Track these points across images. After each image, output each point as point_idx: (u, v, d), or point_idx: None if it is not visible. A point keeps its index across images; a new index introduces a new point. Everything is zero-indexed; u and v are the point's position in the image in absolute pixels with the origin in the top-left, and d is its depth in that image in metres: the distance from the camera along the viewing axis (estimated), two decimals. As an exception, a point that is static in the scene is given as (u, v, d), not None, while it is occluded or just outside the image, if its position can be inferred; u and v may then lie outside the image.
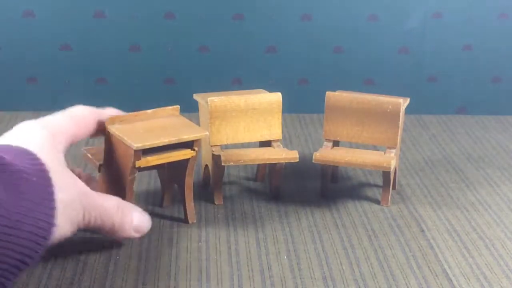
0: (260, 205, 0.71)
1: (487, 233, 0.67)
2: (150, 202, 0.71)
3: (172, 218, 0.68)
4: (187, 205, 0.67)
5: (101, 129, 0.64)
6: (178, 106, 0.68)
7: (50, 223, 0.52)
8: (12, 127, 0.61)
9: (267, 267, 0.60)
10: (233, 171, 0.78)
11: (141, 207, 0.64)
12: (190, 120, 0.87)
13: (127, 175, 0.63)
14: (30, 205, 0.50)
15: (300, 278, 0.59)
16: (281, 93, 0.72)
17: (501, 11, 0.96)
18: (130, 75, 0.96)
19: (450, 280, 0.59)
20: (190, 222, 0.67)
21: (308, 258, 0.62)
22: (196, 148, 0.65)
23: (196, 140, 0.65)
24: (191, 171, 0.66)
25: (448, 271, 0.60)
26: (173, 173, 0.68)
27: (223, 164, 0.68)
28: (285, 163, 0.70)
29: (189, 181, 0.66)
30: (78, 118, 0.63)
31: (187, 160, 0.65)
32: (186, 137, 0.64)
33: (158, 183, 0.74)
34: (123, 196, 0.63)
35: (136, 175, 0.63)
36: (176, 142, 0.63)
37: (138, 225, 0.61)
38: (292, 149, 0.74)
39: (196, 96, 0.73)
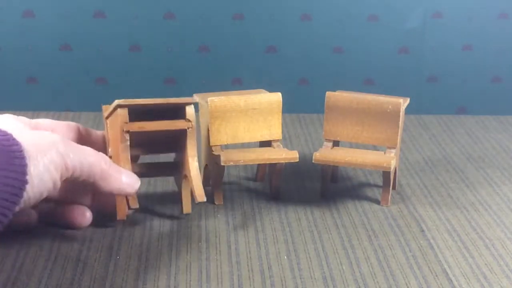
0: (260, 205, 0.71)
1: (487, 233, 0.67)
2: (150, 200, 0.71)
3: (172, 218, 0.68)
4: (194, 185, 0.64)
5: (84, 140, 0.66)
6: (197, 100, 0.69)
7: (22, 181, 0.51)
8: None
9: (267, 267, 0.60)
10: (233, 171, 0.78)
11: (141, 207, 0.65)
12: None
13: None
14: None
15: (300, 278, 0.59)
16: (281, 93, 0.72)
17: (501, 11, 0.96)
18: (130, 75, 0.96)
19: (450, 280, 0.59)
20: (199, 200, 0.64)
21: (308, 258, 0.62)
22: (190, 119, 0.64)
23: (189, 111, 0.64)
24: (193, 147, 0.65)
25: (448, 271, 0.60)
26: (181, 164, 0.67)
27: (223, 164, 0.68)
28: (285, 163, 0.70)
29: (193, 159, 0.65)
30: (58, 121, 0.65)
31: (186, 137, 0.64)
32: (173, 99, 0.64)
33: (158, 183, 0.74)
34: None
35: (128, 143, 0.63)
36: (164, 103, 0.63)
37: (128, 181, 0.61)
38: (292, 149, 0.74)
39: (196, 96, 0.73)
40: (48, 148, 0.54)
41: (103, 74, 0.96)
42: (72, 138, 0.65)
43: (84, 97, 0.96)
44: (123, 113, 0.63)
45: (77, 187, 0.63)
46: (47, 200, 0.61)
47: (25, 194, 0.51)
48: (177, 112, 0.65)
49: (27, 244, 0.62)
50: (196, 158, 0.65)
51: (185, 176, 0.66)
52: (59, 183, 0.55)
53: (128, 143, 0.63)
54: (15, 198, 0.51)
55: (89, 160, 0.58)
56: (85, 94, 0.96)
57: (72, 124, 0.66)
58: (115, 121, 0.63)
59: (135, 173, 0.63)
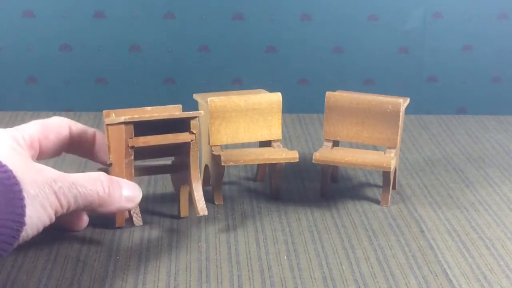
0: (260, 205, 0.71)
1: (487, 233, 0.67)
2: (150, 200, 0.71)
3: (172, 218, 0.68)
4: (196, 198, 0.65)
5: (76, 141, 0.65)
6: (180, 106, 0.68)
7: (20, 222, 0.52)
8: (12, 127, 0.61)
9: (267, 267, 0.60)
10: (233, 171, 0.78)
11: (141, 207, 0.65)
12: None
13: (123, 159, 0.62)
14: None
15: (300, 278, 0.59)
16: (281, 93, 0.72)
17: (501, 11, 0.96)
18: (130, 75, 0.96)
19: (450, 280, 0.59)
20: (201, 214, 0.64)
21: (308, 258, 0.62)
22: (194, 131, 0.64)
23: (194, 123, 0.64)
24: (195, 159, 0.65)
25: (448, 271, 0.60)
26: (180, 168, 0.67)
27: (223, 164, 0.68)
28: (285, 163, 0.70)
29: (195, 171, 0.65)
30: (49, 124, 0.64)
31: (189, 148, 0.64)
32: (178, 113, 0.64)
33: (158, 183, 0.74)
34: None
35: (132, 158, 0.62)
36: (167, 118, 0.63)
37: (130, 195, 0.61)
38: (292, 149, 0.74)
39: (196, 96, 0.73)
40: (43, 185, 0.54)
41: (103, 74, 0.96)
42: (65, 137, 0.65)
43: (84, 97, 0.96)
44: (128, 130, 0.62)
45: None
46: None
47: (22, 234, 0.53)
48: (182, 123, 0.64)
49: (26, 244, 0.62)
50: (198, 173, 0.65)
51: (184, 182, 0.66)
52: (54, 218, 0.56)
53: (132, 157, 0.63)
54: (11, 240, 0.52)
55: (85, 192, 0.57)
56: (85, 94, 0.96)
57: (64, 123, 0.65)
58: (118, 133, 0.62)
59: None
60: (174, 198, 0.71)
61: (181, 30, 0.94)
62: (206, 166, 0.73)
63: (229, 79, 0.96)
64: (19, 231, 0.52)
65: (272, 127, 0.72)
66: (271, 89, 0.74)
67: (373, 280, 0.59)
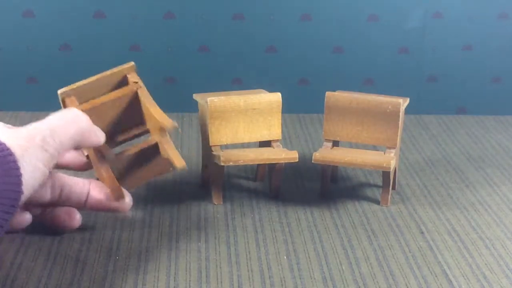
0: (260, 205, 0.71)
1: (487, 233, 0.67)
2: (149, 200, 0.71)
3: (172, 218, 0.68)
4: (169, 152, 0.63)
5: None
6: (133, 63, 0.68)
7: (17, 192, 0.52)
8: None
9: (266, 267, 0.60)
10: (233, 171, 0.78)
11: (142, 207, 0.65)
12: (190, 120, 0.88)
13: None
14: None
15: (300, 279, 0.59)
16: (281, 93, 0.72)
17: (501, 11, 0.96)
18: (130, 75, 0.95)
19: (450, 280, 0.59)
20: (179, 166, 0.63)
21: (307, 258, 0.62)
22: (135, 81, 0.64)
23: (131, 76, 0.65)
24: (152, 104, 0.64)
25: (448, 271, 0.60)
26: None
27: (222, 164, 0.68)
28: (285, 163, 0.70)
29: (159, 115, 0.64)
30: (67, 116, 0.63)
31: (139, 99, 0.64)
32: (115, 69, 0.66)
33: (158, 183, 0.74)
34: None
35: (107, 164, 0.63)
36: (101, 76, 0.65)
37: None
38: (292, 149, 0.74)
39: (196, 96, 0.73)
40: (29, 144, 0.54)
41: (103, 74, 0.95)
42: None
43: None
44: (72, 102, 0.63)
45: (67, 191, 0.62)
46: (37, 205, 0.62)
47: (20, 202, 0.53)
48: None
49: (26, 244, 0.62)
50: (163, 116, 0.64)
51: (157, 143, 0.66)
52: (48, 172, 0.56)
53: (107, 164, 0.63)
54: (12, 209, 0.52)
55: (67, 132, 0.58)
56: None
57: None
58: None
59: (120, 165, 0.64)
60: (174, 198, 0.71)
61: (181, 30, 0.94)
62: (205, 166, 0.73)
63: (229, 79, 0.96)
64: (17, 200, 0.52)
65: (272, 127, 0.72)
66: (271, 89, 0.74)
67: (373, 280, 0.59)
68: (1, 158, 0.52)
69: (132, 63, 0.67)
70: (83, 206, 0.63)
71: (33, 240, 0.63)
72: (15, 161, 0.52)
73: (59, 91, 0.63)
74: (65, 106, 0.65)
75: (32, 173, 0.54)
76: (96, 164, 0.63)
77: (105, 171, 0.62)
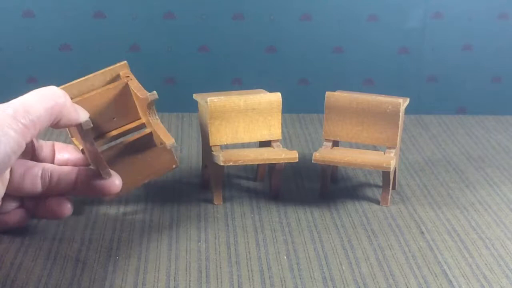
0: (260, 205, 0.71)
1: (487, 233, 0.67)
2: (149, 200, 0.71)
3: (172, 218, 0.68)
4: (160, 133, 0.64)
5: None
6: (125, 62, 0.68)
7: None
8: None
9: (266, 267, 0.60)
10: (233, 171, 0.78)
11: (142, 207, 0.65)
12: (191, 120, 0.88)
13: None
14: None
15: (300, 278, 0.59)
16: (281, 93, 0.72)
17: (501, 11, 0.96)
18: (130, 75, 0.96)
19: (449, 280, 0.59)
20: (169, 143, 0.63)
21: (307, 258, 0.62)
22: (126, 75, 0.65)
23: (123, 73, 0.66)
24: (141, 89, 0.64)
25: (448, 271, 0.60)
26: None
27: (222, 164, 0.68)
28: (285, 163, 0.70)
29: (149, 104, 0.64)
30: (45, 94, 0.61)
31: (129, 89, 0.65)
32: (108, 69, 0.66)
33: (158, 183, 0.74)
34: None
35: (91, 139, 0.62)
36: (94, 74, 0.65)
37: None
38: (292, 149, 0.74)
39: (196, 96, 0.73)
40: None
41: (103, 74, 0.96)
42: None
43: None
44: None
45: (56, 178, 0.63)
46: (31, 198, 0.63)
47: None
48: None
49: (26, 244, 0.62)
50: (150, 101, 0.64)
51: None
52: (23, 144, 0.55)
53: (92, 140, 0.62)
54: None
55: (43, 107, 0.56)
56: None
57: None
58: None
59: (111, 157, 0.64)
60: (173, 198, 0.71)
61: (181, 30, 0.94)
62: (206, 166, 0.73)
63: (229, 79, 0.96)
64: None
65: (272, 127, 0.72)
66: (271, 89, 0.74)
67: (373, 280, 0.59)
68: None
69: (125, 61, 0.67)
70: (73, 191, 0.63)
71: (33, 240, 0.63)
72: None
73: None
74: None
75: (3, 142, 0.53)
76: (81, 139, 0.62)
77: (90, 144, 0.62)
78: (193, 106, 0.74)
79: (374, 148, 0.80)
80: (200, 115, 0.73)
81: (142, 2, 0.93)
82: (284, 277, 0.59)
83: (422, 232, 0.67)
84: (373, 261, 0.61)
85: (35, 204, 0.64)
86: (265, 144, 0.73)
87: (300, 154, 0.71)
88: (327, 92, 0.72)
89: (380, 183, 0.74)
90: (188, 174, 0.77)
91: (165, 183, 0.74)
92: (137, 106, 0.66)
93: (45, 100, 0.57)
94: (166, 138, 0.63)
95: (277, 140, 0.72)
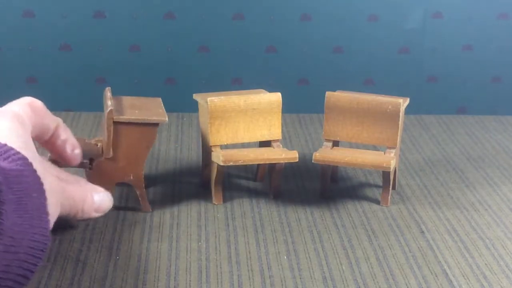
0: (260, 205, 0.71)
1: (487, 233, 0.67)
2: (149, 200, 0.71)
3: (172, 218, 0.68)
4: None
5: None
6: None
7: (46, 236, 0.48)
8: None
9: (266, 267, 0.60)
10: (233, 171, 0.78)
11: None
12: (191, 120, 0.88)
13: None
14: (30, 222, 0.47)
15: (300, 278, 0.59)
16: (281, 93, 0.72)
17: (501, 11, 0.96)
18: (130, 75, 0.96)
19: (450, 280, 0.59)
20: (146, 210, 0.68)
21: (308, 258, 0.62)
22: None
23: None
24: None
25: (448, 271, 0.60)
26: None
27: (222, 164, 0.68)
28: (285, 163, 0.70)
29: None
30: (35, 105, 0.58)
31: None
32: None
33: (158, 183, 0.74)
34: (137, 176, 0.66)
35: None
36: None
37: (99, 206, 0.60)
38: (292, 149, 0.74)
39: (196, 96, 0.73)
40: (56, 195, 0.51)
41: (103, 74, 0.96)
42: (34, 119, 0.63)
43: (84, 97, 0.96)
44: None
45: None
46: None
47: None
48: None
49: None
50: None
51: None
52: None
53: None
54: (38, 261, 0.48)
55: (71, 206, 0.55)
56: (85, 94, 0.96)
57: (37, 105, 0.60)
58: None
59: None
60: (173, 198, 0.71)
61: (181, 30, 0.94)
62: (206, 166, 0.73)
63: (229, 79, 0.96)
64: (45, 247, 0.48)
65: (272, 127, 0.72)
66: (271, 89, 0.74)
67: (373, 280, 0.59)
68: (40, 201, 0.48)
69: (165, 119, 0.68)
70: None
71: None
72: (46, 205, 0.49)
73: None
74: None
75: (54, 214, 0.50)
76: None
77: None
78: (193, 106, 0.74)
79: (374, 148, 0.80)
80: (200, 115, 0.73)
81: (142, 2, 0.93)
82: (284, 277, 0.59)
83: (422, 232, 0.67)
84: (373, 261, 0.61)
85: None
86: (265, 144, 0.73)
87: (300, 154, 0.71)
88: (327, 92, 0.72)
89: (380, 183, 0.74)
90: (188, 174, 0.77)
91: (165, 183, 0.74)
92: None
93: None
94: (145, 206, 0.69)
95: (277, 140, 0.72)
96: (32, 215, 0.48)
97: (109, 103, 0.66)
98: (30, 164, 0.49)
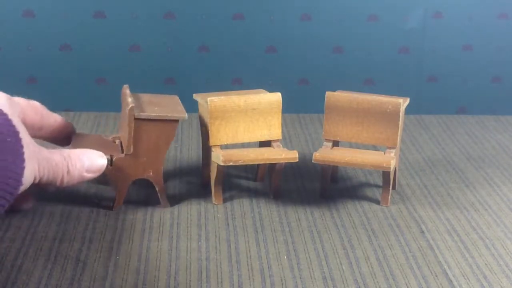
0: (260, 205, 0.71)
1: (487, 233, 0.67)
2: (149, 200, 0.71)
3: (172, 218, 0.68)
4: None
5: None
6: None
7: (18, 181, 0.54)
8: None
9: (267, 267, 0.60)
10: (233, 171, 0.78)
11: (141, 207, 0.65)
12: (190, 120, 0.88)
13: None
14: (3, 164, 0.53)
15: (300, 278, 0.59)
16: (281, 93, 0.72)
17: (501, 11, 0.96)
18: (130, 75, 0.96)
19: (450, 280, 0.59)
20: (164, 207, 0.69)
21: (308, 258, 0.62)
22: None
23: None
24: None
25: (448, 271, 0.60)
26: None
27: (222, 164, 0.68)
28: (285, 163, 0.70)
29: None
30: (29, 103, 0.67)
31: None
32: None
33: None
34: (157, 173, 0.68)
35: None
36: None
37: (89, 165, 0.62)
38: (292, 149, 0.74)
39: (196, 96, 0.73)
40: (34, 151, 0.56)
41: (103, 74, 0.96)
42: (32, 118, 0.66)
43: (84, 97, 0.96)
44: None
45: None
46: None
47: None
48: None
49: (27, 244, 0.62)
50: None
51: None
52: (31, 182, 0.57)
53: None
54: (9, 197, 0.54)
55: (54, 169, 0.59)
56: (85, 94, 0.96)
57: (36, 104, 0.68)
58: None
59: None
60: (173, 199, 0.71)
61: (181, 30, 0.94)
62: (206, 166, 0.73)
63: (229, 79, 0.96)
64: (17, 189, 0.54)
65: (272, 127, 0.72)
66: (271, 89, 0.74)
67: (373, 280, 0.59)
68: (12, 144, 0.54)
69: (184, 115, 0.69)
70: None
71: (33, 240, 0.63)
72: (23, 153, 0.54)
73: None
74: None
75: (30, 174, 0.56)
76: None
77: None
78: (193, 106, 0.74)
79: (374, 148, 0.80)
80: (200, 115, 0.73)
81: (142, 2, 0.93)
82: (284, 277, 0.59)
83: (422, 232, 0.67)
84: (373, 261, 0.61)
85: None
86: (265, 144, 0.73)
87: (300, 154, 0.71)
88: (327, 92, 0.72)
89: (380, 183, 0.74)
90: (188, 174, 0.77)
91: (165, 183, 0.74)
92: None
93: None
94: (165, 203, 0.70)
95: (277, 140, 0.72)
96: (6, 159, 0.53)
97: (129, 100, 0.66)
98: (5, 114, 0.55)
